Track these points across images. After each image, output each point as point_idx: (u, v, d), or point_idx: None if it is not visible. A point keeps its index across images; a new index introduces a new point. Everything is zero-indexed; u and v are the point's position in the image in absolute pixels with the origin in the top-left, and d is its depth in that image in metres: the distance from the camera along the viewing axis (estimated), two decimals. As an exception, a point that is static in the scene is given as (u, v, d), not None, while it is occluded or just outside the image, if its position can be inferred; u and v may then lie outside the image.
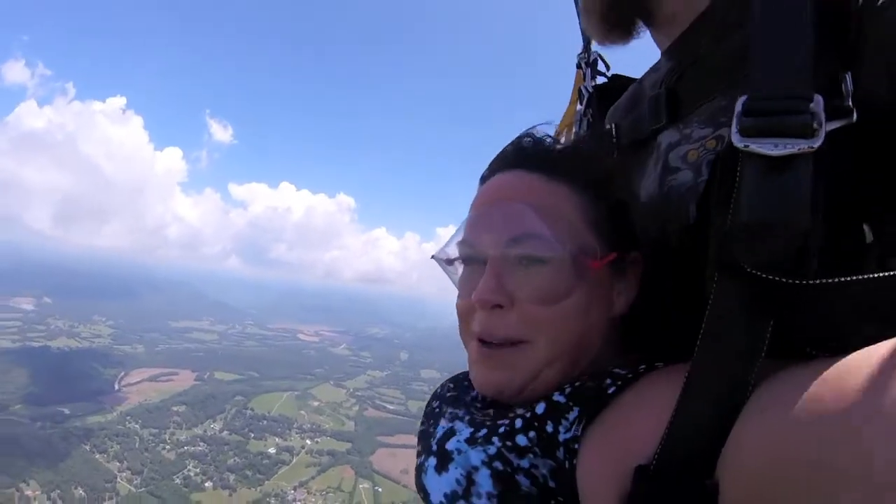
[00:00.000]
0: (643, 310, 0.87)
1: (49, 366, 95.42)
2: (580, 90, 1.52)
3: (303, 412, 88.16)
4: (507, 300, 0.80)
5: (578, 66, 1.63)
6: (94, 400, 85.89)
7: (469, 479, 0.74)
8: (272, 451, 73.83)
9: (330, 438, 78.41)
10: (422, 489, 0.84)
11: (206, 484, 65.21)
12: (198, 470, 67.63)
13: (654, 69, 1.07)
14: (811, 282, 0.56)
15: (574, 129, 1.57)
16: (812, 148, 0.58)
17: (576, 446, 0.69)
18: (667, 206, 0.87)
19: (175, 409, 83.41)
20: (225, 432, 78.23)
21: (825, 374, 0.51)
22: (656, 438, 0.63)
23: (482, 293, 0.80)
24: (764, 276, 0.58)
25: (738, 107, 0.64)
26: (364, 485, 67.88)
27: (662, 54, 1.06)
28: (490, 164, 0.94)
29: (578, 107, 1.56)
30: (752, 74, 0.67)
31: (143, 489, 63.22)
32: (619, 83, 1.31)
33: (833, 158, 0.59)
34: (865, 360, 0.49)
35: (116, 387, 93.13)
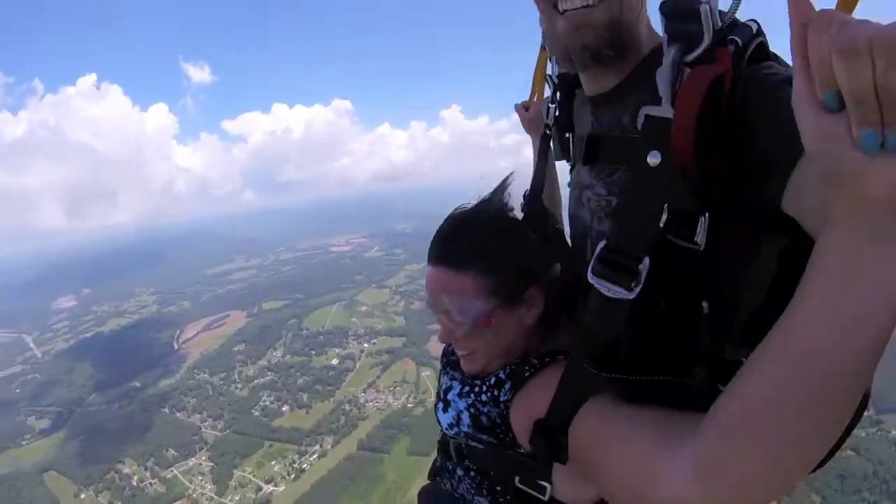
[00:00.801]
0: (557, 310, 1.42)
1: (107, 349, 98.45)
2: (547, 77, 1.66)
3: (354, 319, 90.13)
4: (453, 338, 1.42)
5: (543, 49, 1.75)
6: (159, 365, 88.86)
7: (458, 416, 1.47)
8: (335, 362, 76.33)
9: (385, 337, 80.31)
10: (437, 419, 1.61)
11: (283, 408, 68.24)
12: (272, 398, 70.61)
13: (588, 99, 1.37)
14: (608, 375, 1.04)
15: (545, 118, 1.67)
16: (628, 298, 0.95)
17: (508, 404, 1.34)
18: (574, 227, 1.51)
19: (235, 349, 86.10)
20: (287, 357, 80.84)
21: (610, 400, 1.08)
22: (545, 406, 1.18)
23: (440, 338, 1.48)
24: (585, 366, 1.06)
25: (598, 250, 1.01)
26: (426, 372, 70.09)
27: (594, 98, 1.34)
28: (428, 252, 1.44)
29: (546, 93, 1.70)
30: (613, 228, 1.04)
31: (227, 431, 66.56)
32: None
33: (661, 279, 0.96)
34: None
35: (176, 346, 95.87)
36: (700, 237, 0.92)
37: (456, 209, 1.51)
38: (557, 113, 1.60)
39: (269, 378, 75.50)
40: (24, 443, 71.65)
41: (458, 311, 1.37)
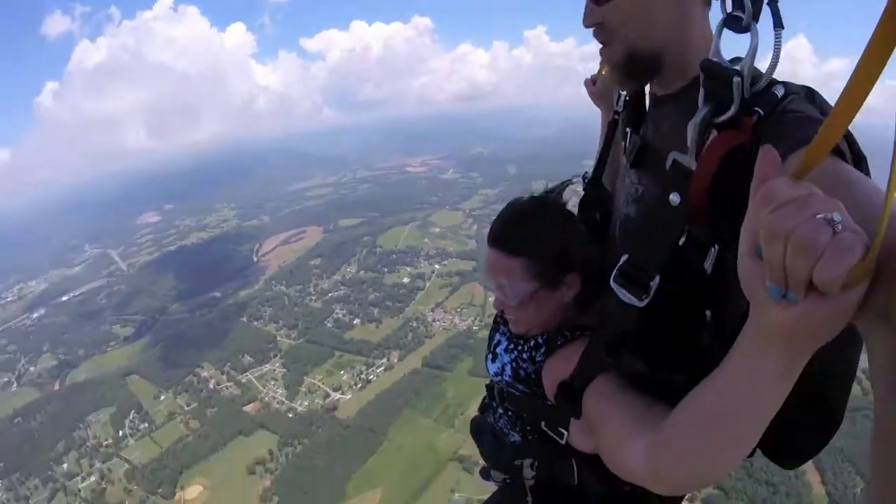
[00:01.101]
0: (592, 292, 1.69)
1: (189, 261, 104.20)
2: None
3: (426, 240, 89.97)
4: (504, 306, 1.78)
5: None
6: (239, 277, 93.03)
7: (503, 368, 1.86)
8: (406, 280, 77.16)
9: (456, 260, 79.74)
10: (486, 367, 1.98)
11: (355, 321, 70.37)
12: (344, 311, 72.90)
13: (650, 112, 1.60)
14: (615, 361, 1.35)
15: (615, 105, 1.92)
16: (639, 306, 1.24)
17: (542, 364, 1.72)
18: (615, 224, 1.72)
19: (312, 262, 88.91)
20: (361, 272, 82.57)
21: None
22: (569, 371, 1.51)
23: (494, 304, 1.84)
24: (603, 342, 1.38)
25: (622, 262, 1.30)
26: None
27: (653, 105, 1.56)
28: (488, 233, 1.76)
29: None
30: (633, 246, 1.35)
31: (300, 340, 69.58)
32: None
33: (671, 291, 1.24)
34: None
35: (255, 259, 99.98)
36: (708, 264, 1.14)
37: (517, 199, 1.80)
38: (622, 108, 1.85)
39: (342, 292, 77.65)
40: (108, 349, 77.99)
41: (508, 289, 1.68)
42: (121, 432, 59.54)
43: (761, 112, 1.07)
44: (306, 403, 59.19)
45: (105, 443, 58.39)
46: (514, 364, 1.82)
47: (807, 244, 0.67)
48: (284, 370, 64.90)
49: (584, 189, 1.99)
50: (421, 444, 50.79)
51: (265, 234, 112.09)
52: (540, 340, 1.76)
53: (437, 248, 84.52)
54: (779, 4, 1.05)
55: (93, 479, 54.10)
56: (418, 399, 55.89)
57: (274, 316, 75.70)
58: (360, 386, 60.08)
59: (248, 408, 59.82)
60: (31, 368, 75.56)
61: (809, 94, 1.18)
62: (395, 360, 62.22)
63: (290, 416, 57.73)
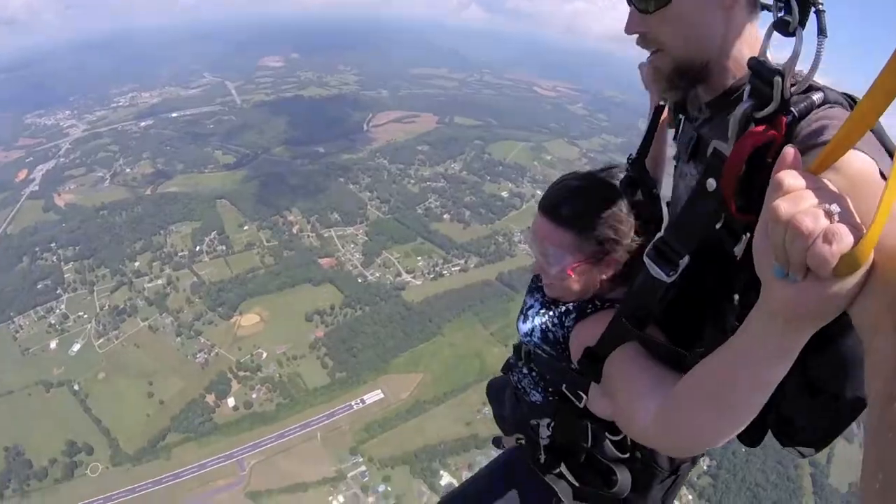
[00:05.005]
0: (628, 270, 1.76)
1: (303, 112, 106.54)
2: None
3: (535, 163, 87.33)
4: (543, 272, 1.86)
5: None
6: (346, 139, 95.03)
7: (533, 329, 1.99)
8: (504, 194, 76.00)
9: (560, 191, 77.18)
10: (517, 329, 2.10)
11: (444, 216, 70.84)
12: (437, 203, 73.44)
13: (699, 113, 1.65)
14: (640, 331, 1.50)
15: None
16: (667, 280, 1.35)
17: (570, 330, 1.84)
18: (672, 195, 1.89)
19: (419, 148, 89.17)
20: (463, 172, 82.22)
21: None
22: (595, 339, 1.61)
23: (532, 269, 1.98)
24: (628, 311, 1.51)
25: (656, 239, 1.39)
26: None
27: (705, 104, 1.58)
28: (540, 200, 1.84)
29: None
30: (668, 228, 1.43)
31: (389, 216, 71.07)
32: None
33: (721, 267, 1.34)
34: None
35: (365, 128, 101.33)
36: (739, 249, 1.21)
37: (570, 173, 1.89)
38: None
39: (440, 185, 77.90)
40: (205, 171, 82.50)
41: (551, 257, 1.77)
42: (198, 248, 64.21)
43: (796, 113, 1.15)
44: (377, 275, 61.18)
45: (180, 253, 63.30)
46: (544, 327, 1.93)
47: (801, 230, 0.78)
48: (366, 238, 66.91)
49: (627, 169, 2.01)
50: (472, 349, 51.86)
51: (380, 107, 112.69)
52: (571, 307, 1.87)
53: (544, 174, 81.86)
54: (824, 14, 1.12)
55: (159, 282, 59.16)
56: (482, 308, 56.39)
57: (370, 185, 77.34)
58: (432, 276, 61.22)
59: (323, 261, 62.71)
60: (128, 170, 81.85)
61: (852, 102, 1.24)
62: (472, 266, 62.51)
63: (360, 280, 60.14)
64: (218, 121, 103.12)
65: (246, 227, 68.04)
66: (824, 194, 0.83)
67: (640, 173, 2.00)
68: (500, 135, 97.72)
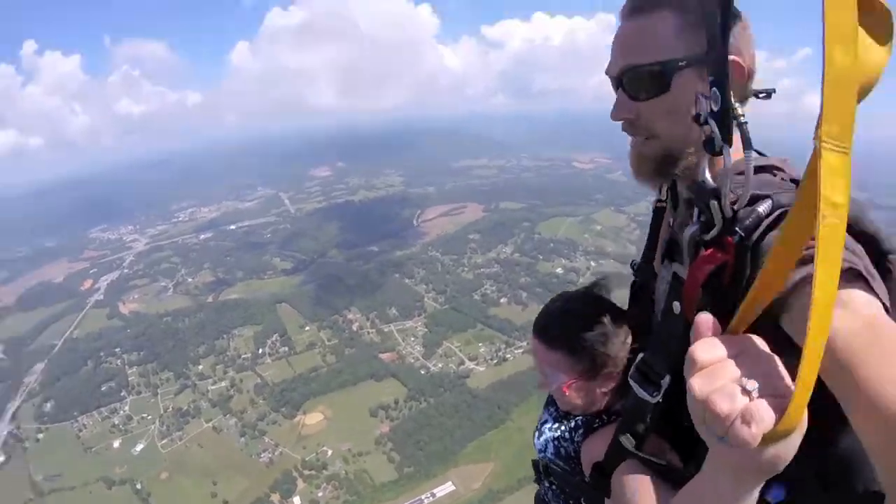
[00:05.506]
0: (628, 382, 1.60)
1: (354, 215, 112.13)
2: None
3: (586, 236, 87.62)
4: (547, 388, 1.97)
5: None
6: (398, 237, 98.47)
7: (546, 445, 1.98)
8: (559, 271, 75.84)
9: (612, 261, 76.05)
10: (533, 444, 2.09)
11: (501, 300, 71.07)
12: (493, 288, 73.84)
13: (675, 213, 1.71)
14: (639, 446, 1.49)
15: (659, 194, 1.97)
16: (651, 401, 1.35)
17: (580, 444, 1.85)
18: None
19: (469, 237, 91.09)
20: (516, 255, 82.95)
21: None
22: (602, 453, 1.64)
23: (538, 386, 1.99)
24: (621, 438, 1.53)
25: (638, 360, 1.40)
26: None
27: (685, 201, 1.60)
28: (534, 321, 1.89)
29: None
30: (648, 349, 1.40)
31: (446, 306, 71.94)
32: None
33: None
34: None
35: (415, 223, 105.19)
36: None
37: (562, 293, 1.97)
38: (666, 197, 1.91)
39: (494, 270, 78.73)
40: (265, 277, 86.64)
41: (548, 376, 1.85)
42: (261, 350, 66.05)
43: (741, 233, 1.13)
44: (440, 365, 61.19)
45: (243, 356, 65.21)
46: (556, 442, 1.95)
47: (717, 413, 0.76)
48: (426, 329, 67.54)
49: (632, 271, 2.08)
50: (544, 433, 50.06)
51: (428, 203, 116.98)
52: (579, 422, 1.90)
53: (596, 246, 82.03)
54: (746, 126, 1.10)
55: (223, 384, 60.74)
56: (550, 389, 54.75)
57: (425, 278, 78.88)
58: (495, 361, 60.61)
59: (384, 356, 63.49)
60: (189, 280, 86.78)
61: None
62: (535, 347, 61.52)
63: (423, 372, 60.16)
64: (274, 230, 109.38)
65: (307, 328, 69.94)
66: (745, 362, 0.80)
67: (646, 277, 2.01)
68: (547, 213, 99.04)
